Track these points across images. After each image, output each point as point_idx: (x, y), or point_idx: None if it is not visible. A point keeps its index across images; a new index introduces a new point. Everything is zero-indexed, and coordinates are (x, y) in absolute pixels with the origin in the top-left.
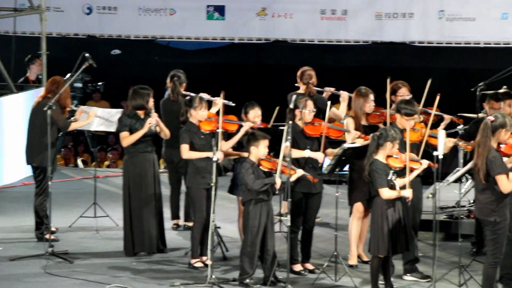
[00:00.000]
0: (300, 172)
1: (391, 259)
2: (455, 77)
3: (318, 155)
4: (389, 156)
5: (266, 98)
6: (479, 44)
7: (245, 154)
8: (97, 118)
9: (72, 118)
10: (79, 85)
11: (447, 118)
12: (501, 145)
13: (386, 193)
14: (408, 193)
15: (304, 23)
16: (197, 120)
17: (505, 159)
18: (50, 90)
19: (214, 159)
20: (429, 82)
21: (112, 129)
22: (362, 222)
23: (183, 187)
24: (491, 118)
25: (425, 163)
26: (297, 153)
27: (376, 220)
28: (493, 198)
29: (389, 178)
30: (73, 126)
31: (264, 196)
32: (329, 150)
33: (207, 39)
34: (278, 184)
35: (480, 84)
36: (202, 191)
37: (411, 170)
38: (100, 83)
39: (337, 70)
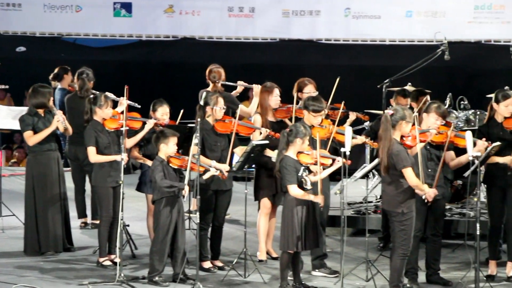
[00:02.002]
0: (213, 171)
1: (300, 255)
2: (361, 74)
3: (222, 167)
4: (300, 152)
5: (174, 96)
6: (384, 41)
7: (150, 163)
8: (2, 116)
9: None
10: None
11: (352, 115)
12: (404, 138)
13: (293, 190)
14: (319, 199)
15: (212, 21)
16: (102, 118)
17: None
18: None
19: (118, 159)
20: (337, 80)
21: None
22: (270, 218)
23: (87, 185)
24: (390, 111)
25: (341, 160)
26: (203, 160)
27: (286, 216)
28: (400, 190)
29: (299, 174)
30: None
31: (173, 193)
32: (239, 148)
33: (114, 36)
34: (186, 191)
35: (385, 81)
36: (108, 189)
37: (323, 165)
38: None
39: (245, 67)
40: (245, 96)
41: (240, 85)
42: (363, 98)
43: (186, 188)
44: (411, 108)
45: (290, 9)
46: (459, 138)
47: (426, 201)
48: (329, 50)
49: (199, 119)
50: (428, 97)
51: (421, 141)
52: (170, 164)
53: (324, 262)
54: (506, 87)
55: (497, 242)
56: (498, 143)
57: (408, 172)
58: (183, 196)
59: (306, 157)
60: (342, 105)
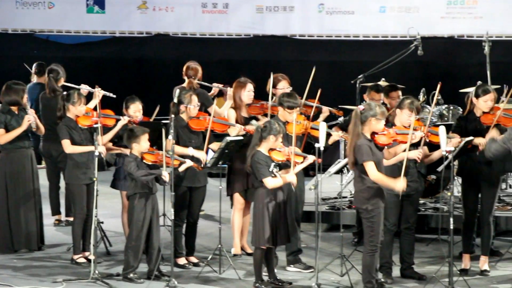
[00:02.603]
0: (189, 162)
1: (275, 251)
2: (336, 69)
3: (200, 155)
4: (272, 149)
5: (147, 92)
6: (358, 37)
7: (127, 151)
8: None
9: None
10: None
11: (326, 110)
12: (376, 135)
13: (270, 182)
14: (291, 177)
15: (186, 17)
16: (75, 115)
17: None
18: None
19: (96, 153)
20: (313, 70)
21: None
22: (244, 214)
23: (62, 182)
24: (361, 107)
25: (311, 158)
26: (180, 150)
27: (257, 212)
28: (365, 187)
29: (270, 170)
30: None
31: (148, 189)
32: (215, 143)
33: (88, 32)
34: (166, 177)
35: (359, 77)
36: (82, 186)
37: (295, 163)
38: None
39: (219, 63)
40: (219, 93)
41: (215, 87)
42: (337, 94)
43: (166, 173)
44: (384, 104)
45: (264, 5)
46: (432, 134)
47: (399, 195)
48: (303, 45)
49: (173, 116)
50: (400, 92)
51: (401, 142)
52: (144, 161)
53: (299, 257)
54: (479, 82)
55: (470, 236)
56: (471, 137)
57: (369, 166)
58: (165, 182)
59: (278, 154)
60: (318, 95)
